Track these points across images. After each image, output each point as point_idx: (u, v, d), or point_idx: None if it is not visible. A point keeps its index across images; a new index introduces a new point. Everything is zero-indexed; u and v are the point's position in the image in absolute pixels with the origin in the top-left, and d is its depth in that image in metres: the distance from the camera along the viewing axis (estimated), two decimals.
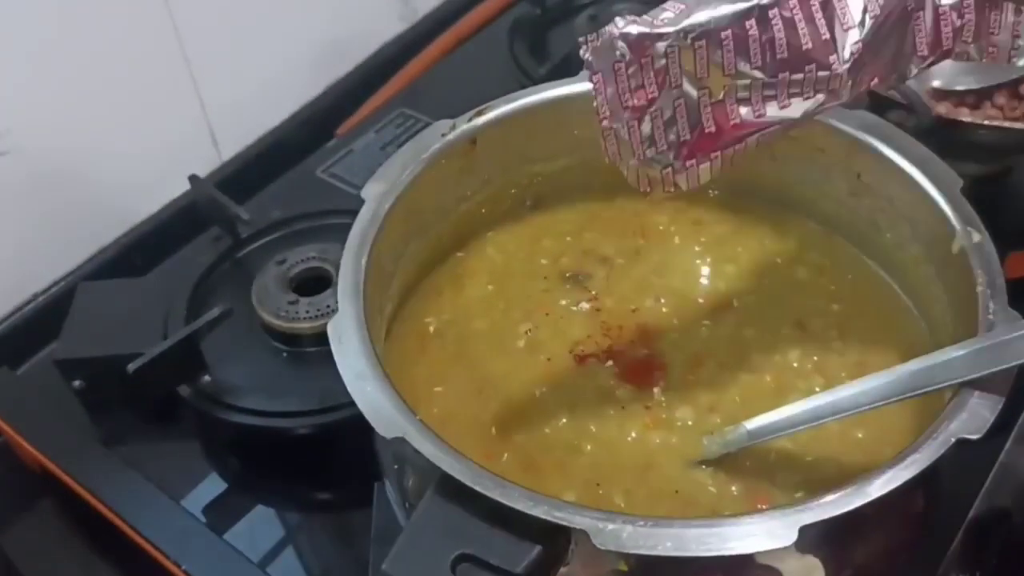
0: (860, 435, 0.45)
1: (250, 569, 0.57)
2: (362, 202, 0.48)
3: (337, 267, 0.67)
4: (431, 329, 0.52)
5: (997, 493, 0.53)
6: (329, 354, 0.63)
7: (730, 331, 0.51)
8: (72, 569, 0.63)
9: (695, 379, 0.48)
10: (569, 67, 0.82)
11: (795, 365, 0.49)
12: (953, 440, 0.36)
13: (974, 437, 0.36)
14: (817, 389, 0.47)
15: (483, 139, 0.52)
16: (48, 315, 0.72)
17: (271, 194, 0.82)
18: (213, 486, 0.65)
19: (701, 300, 0.53)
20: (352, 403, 0.59)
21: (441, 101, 0.88)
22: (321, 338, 0.64)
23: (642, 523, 0.34)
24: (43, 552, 0.63)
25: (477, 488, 0.35)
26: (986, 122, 0.64)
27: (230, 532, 0.61)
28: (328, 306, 0.66)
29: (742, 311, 0.52)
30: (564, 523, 0.34)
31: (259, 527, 0.63)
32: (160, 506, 0.60)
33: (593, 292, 0.53)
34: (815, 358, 0.49)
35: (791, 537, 0.33)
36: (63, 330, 0.66)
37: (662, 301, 0.52)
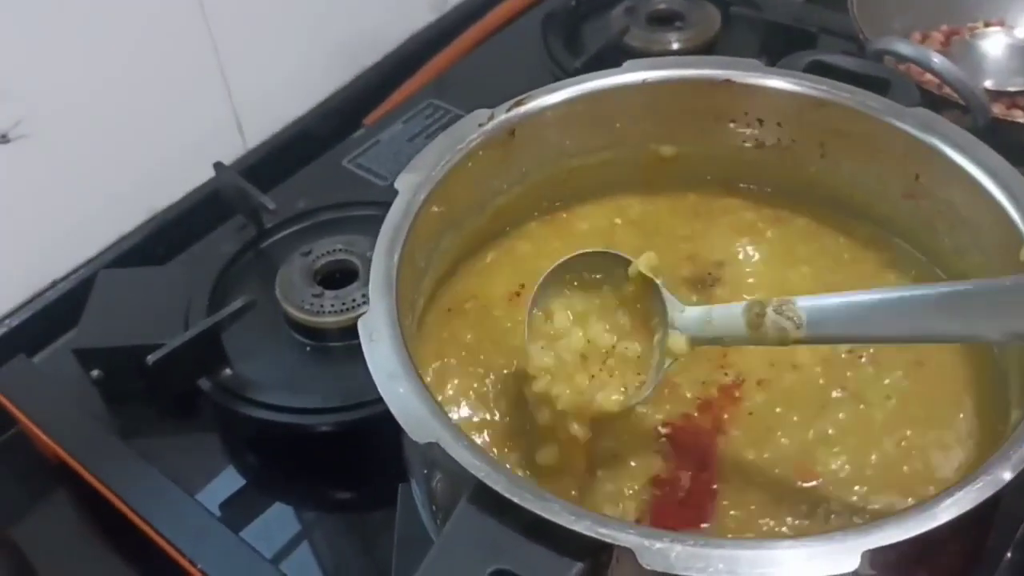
0: (909, 432, 0.43)
1: (265, 567, 0.55)
2: (394, 193, 0.45)
3: (363, 260, 0.66)
4: (459, 324, 0.49)
5: None
6: (353, 349, 0.62)
7: None
8: (85, 562, 0.61)
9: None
10: (604, 60, 0.80)
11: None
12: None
13: None
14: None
15: (522, 130, 0.50)
16: (68, 302, 0.71)
17: (296, 184, 0.81)
18: (231, 482, 0.63)
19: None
20: (376, 401, 0.57)
21: (471, 93, 0.85)
22: (346, 333, 0.64)
23: (692, 542, 0.32)
24: (56, 544, 0.62)
25: (515, 499, 0.33)
26: None
27: (247, 529, 0.59)
28: (354, 300, 0.64)
29: None
30: (609, 540, 0.32)
31: (276, 525, 0.61)
32: (176, 501, 0.59)
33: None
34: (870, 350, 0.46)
35: (853, 563, 0.31)
36: (82, 319, 0.65)
37: None
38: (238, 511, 0.61)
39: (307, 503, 0.63)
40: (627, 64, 0.51)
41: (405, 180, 0.45)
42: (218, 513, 0.60)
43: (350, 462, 0.62)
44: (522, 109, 0.49)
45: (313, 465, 0.63)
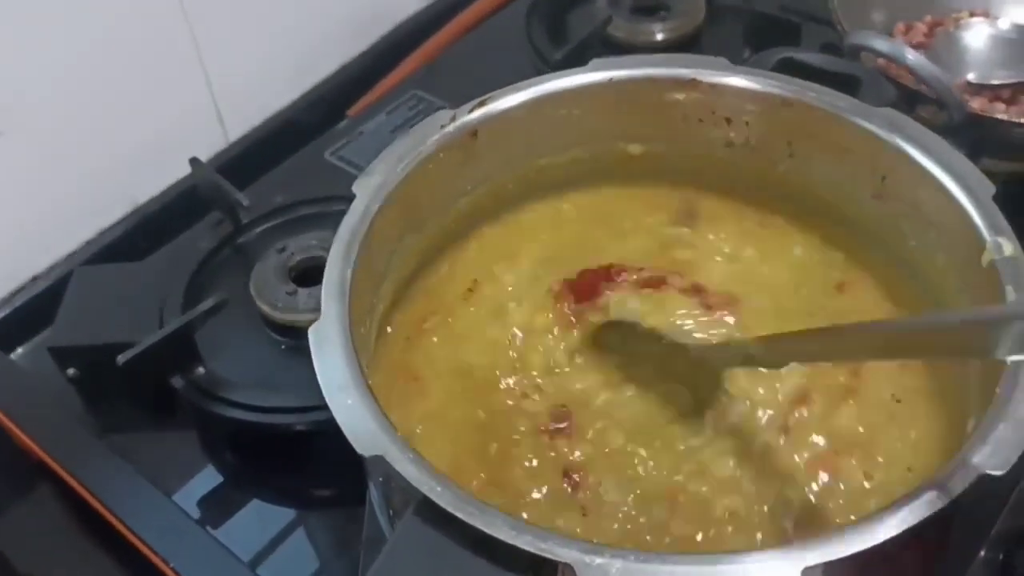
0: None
1: (241, 569, 0.55)
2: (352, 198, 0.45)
3: None
4: (425, 328, 0.49)
5: (1021, 511, 0.51)
6: None
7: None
8: (65, 559, 0.61)
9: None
10: (587, 51, 0.79)
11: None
12: (975, 476, 0.33)
13: (997, 473, 0.33)
14: None
15: (485, 131, 0.49)
16: (47, 298, 0.70)
17: (277, 177, 0.80)
18: (208, 480, 0.63)
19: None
20: None
21: (455, 83, 0.85)
22: None
23: (633, 557, 0.32)
24: (35, 541, 0.62)
25: (459, 514, 0.33)
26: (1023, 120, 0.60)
27: (223, 527, 0.60)
28: None
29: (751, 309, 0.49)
30: (549, 555, 0.32)
31: (253, 523, 0.61)
32: (152, 501, 0.59)
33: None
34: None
35: None
36: (57, 317, 0.65)
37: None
38: (215, 509, 0.61)
39: (284, 501, 0.62)
40: (593, 63, 0.50)
41: (363, 183, 0.45)
42: (195, 511, 0.60)
43: (326, 460, 0.62)
44: (485, 109, 0.49)
45: (290, 463, 0.63)
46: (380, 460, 0.35)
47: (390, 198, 0.45)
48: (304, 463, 0.63)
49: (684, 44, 0.82)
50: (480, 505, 0.33)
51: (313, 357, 0.38)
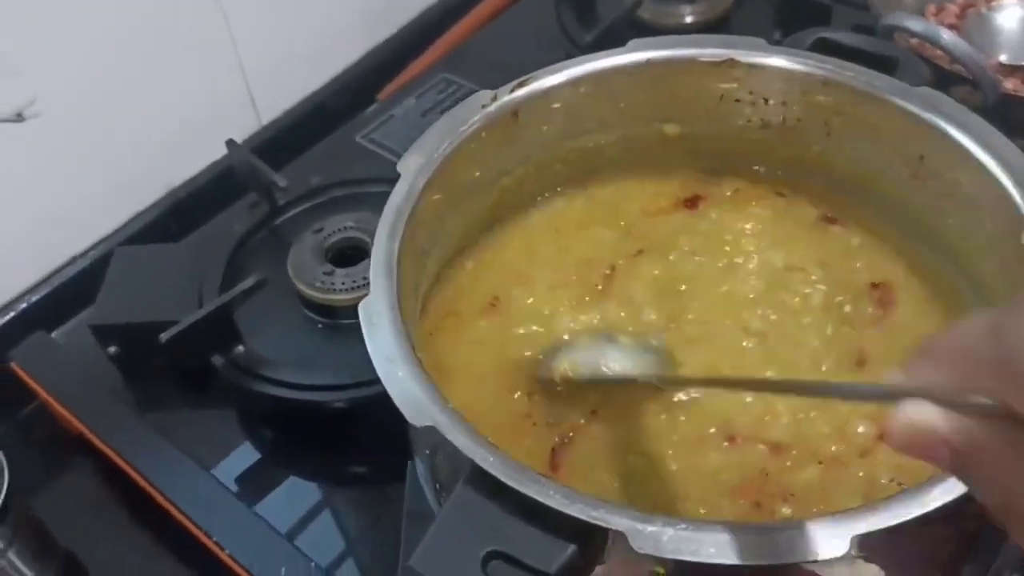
0: None
1: (279, 541, 0.56)
2: (399, 174, 0.46)
3: (374, 237, 0.66)
4: (465, 308, 0.50)
5: None
6: None
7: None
8: (104, 532, 0.63)
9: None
10: (616, 33, 0.80)
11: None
12: None
13: None
14: None
15: (526, 111, 0.49)
16: (86, 278, 0.72)
17: (310, 159, 0.81)
18: (246, 456, 0.64)
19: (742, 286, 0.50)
20: None
21: (484, 67, 0.86)
22: (356, 311, 0.64)
23: (683, 526, 0.32)
24: (76, 514, 0.63)
25: (511, 483, 0.34)
26: None
27: (261, 503, 0.61)
28: (364, 278, 0.64)
29: (784, 294, 0.50)
30: (601, 523, 0.33)
31: (290, 499, 0.62)
32: (192, 475, 0.60)
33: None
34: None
35: (843, 547, 0.31)
36: (99, 295, 0.66)
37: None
38: (252, 485, 0.62)
39: (320, 478, 0.64)
40: (631, 43, 0.51)
41: (407, 163, 0.46)
42: (233, 487, 0.61)
43: (362, 438, 0.63)
44: (526, 90, 0.49)
45: (326, 441, 0.64)
46: (431, 430, 0.36)
47: (433, 177, 0.46)
48: (340, 441, 0.64)
49: (713, 26, 0.82)
50: (532, 474, 0.34)
51: (363, 331, 0.39)
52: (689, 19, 0.83)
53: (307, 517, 0.61)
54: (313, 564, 0.55)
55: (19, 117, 0.67)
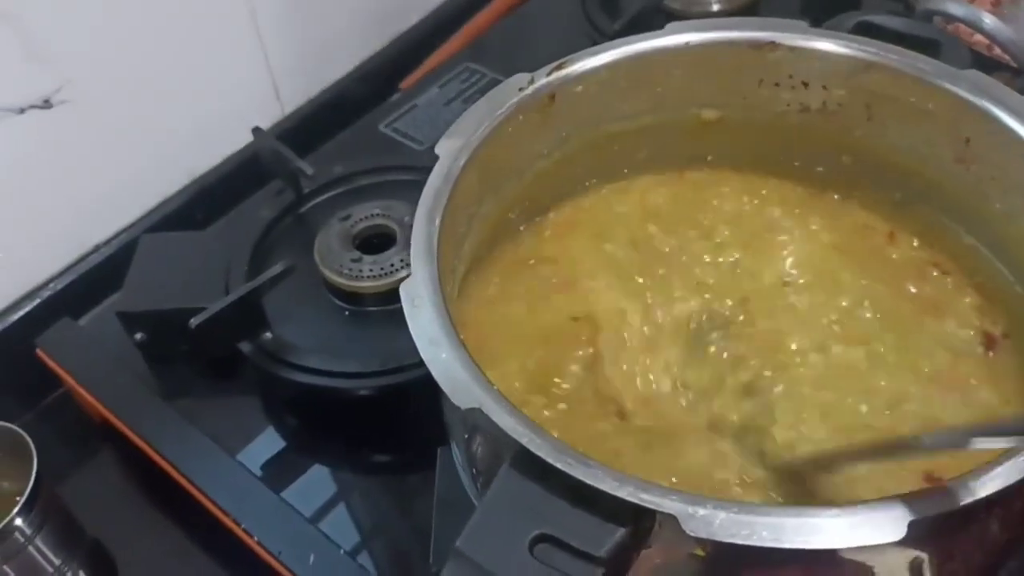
0: None
1: (305, 527, 0.56)
2: (431, 158, 0.45)
3: (401, 224, 0.66)
4: (504, 293, 0.49)
5: None
6: (391, 314, 0.63)
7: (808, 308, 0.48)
8: (131, 519, 0.63)
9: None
10: (643, 22, 0.79)
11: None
12: None
13: None
14: None
15: (562, 94, 0.49)
16: (111, 265, 0.72)
17: (334, 148, 0.81)
18: (271, 443, 0.64)
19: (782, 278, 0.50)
20: (413, 366, 0.59)
21: (507, 56, 0.85)
22: (384, 298, 0.64)
23: (736, 509, 0.32)
24: (102, 501, 0.63)
25: (558, 465, 0.33)
26: None
27: (287, 490, 0.60)
28: (392, 265, 0.64)
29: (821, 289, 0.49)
30: (652, 506, 0.32)
31: (315, 486, 0.62)
32: (218, 461, 0.60)
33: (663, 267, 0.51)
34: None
35: (899, 532, 0.31)
36: (125, 282, 0.66)
37: (739, 272, 0.50)
38: (278, 472, 0.62)
39: (346, 465, 0.63)
40: (670, 26, 0.50)
41: (445, 145, 0.45)
42: (259, 474, 0.61)
43: (388, 426, 0.63)
44: (562, 73, 0.49)
45: (352, 428, 0.64)
46: (476, 412, 0.35)
47: (471, 160, 0.45)
48: (365, 428, 0.63)
49: (742, 14, 0.81)
50: (579, 456, 0.33)
51: (405, 313, 0.38)
52: (716, 7, 0.82)
53: (331, 504, 0.61)
54: (342, 551, 0.55)
55: (46, 103, 0.67)
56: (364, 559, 0.57)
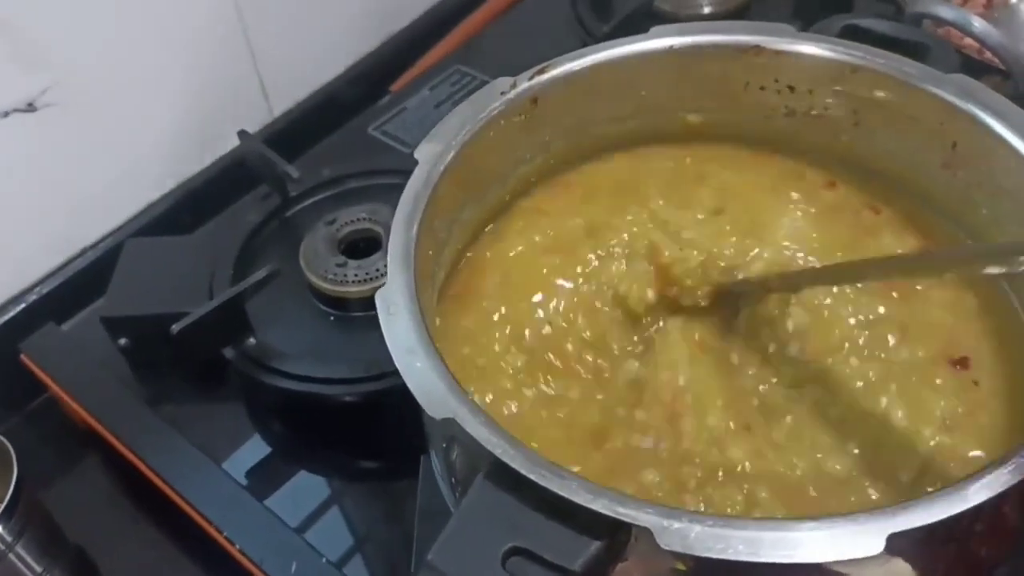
0: None
1: (288, 535, 0.56)
2: (415, 163, 0.45)
3: (387, 229, 0.65)
4: (481, 300, 0.49)
5: None
6: (377, 320, 0.63)
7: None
8: (114, 526, 0.62)
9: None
10: (633, 25, 0.78)
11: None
12: None
13: None
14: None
15: (545, 98, 0.48)
16: (96, 270, 0.71)
17: (322, 151, 0.81)
18: (256, 450, 0.64)
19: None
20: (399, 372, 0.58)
21: (498, 59, 0.84)
22: (369, 303, 0.62)
23: (711, 522, 0.31)
24: (86, 508, 0.63)
25: (532, 477, 0.32)
26: None
27: (272, 497, 0.60)
28: (377, 269, 0.64)
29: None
30: (626, 519, 0.31)
31: (301, 493, 0.61)
32: (202, 468, 0.59)
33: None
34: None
35: (878, 546, 0.30)
36: (109, 287, 0.65)
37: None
38: (263, 479, 0.61)
39: (332, 472, 0.63)
40: (654, 30, 0.50)
41: (425, 150, 0.45)
42: (243, 481, 0.60)
43: (374, 432, 0.62)
44: (545, 76, 0.48)
45: (337, 434, 0.63)
46: (451, 422, 0.35)
47: (452, 164, 0.45)
48: (351, 435, 0.63)
49: (732, 17, 0.81)
50: (554, 468, 0.33)
51: (380, 320, 0.38)
52: (707, 9, 0.82)
53: (317, 512, 0.61)
54: (324, 560, 0.54)
55: (31, 107, 0.66)
56: (348, 567, 0.57)
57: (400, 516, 0.60)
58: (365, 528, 0.61)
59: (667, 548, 0.31)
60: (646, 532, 0.31)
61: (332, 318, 0.64)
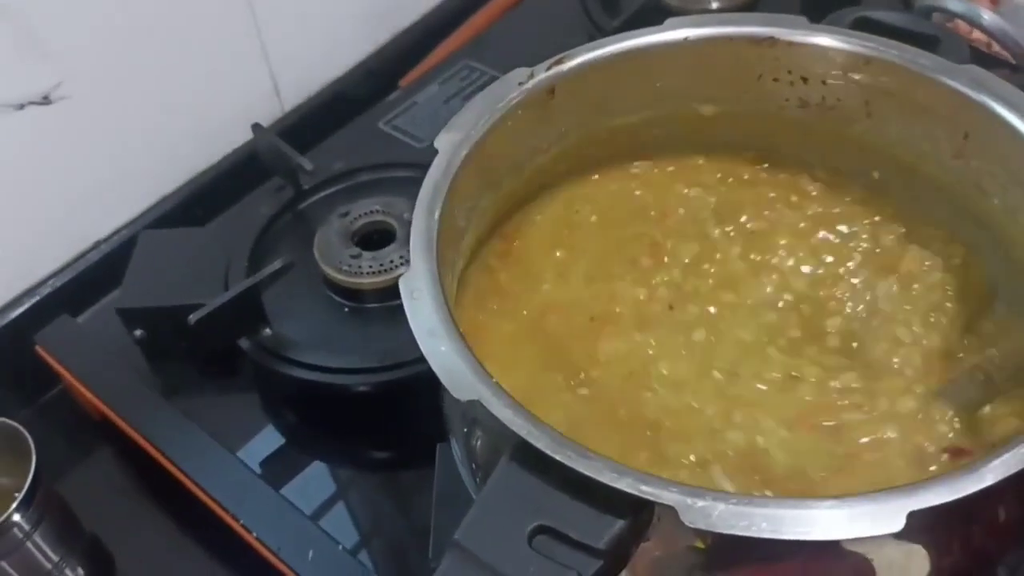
0: None
1: (305, 523, 0.56)
2: (431, 154, 0.45)
3: (400, 221, 0.66)
4: (502, 287, 0.49)
5: None
6: (391, 310, 0.63)
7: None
8: (129, 515, 0.63)
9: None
10: (643, 19, 0.79)
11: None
12: None
13: None
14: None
15: (562, 89, 0.49)
16: (110, 262, 0.72)
17: (333, 145, 0.81)
18: (270, 440, 0.64)
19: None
20: (413, 362, 0.59)
21: (507, 54, 0.85)
22: (383, 294, 0.64)
23: (735, 501, 0.32)
24: (101, 497, 0.63)
25: (558, 457, 0.33)
26: None
27: (286, 487, 0.60)
28: (391, 261, 0.64)
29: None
30: (651, 498, 0.32)
31: (315, 483, 0.62)
32: (217, 458, 0.60)
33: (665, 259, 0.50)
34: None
35: (898, 524, 0.31)
36: (125, 279, 0.66)
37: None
38: (277, 469, 0.62)
39: (345, 462, 0.64)
40: (669, 22, 0.50)
41: (445, 139, 0.45)
42: (258, 470, 0.61)
43: (387, 422, 0.63)
44: (562, 67, 0.49)
45: (351, 425, 0.64)
46: (476, 404, 0.35)
47: (471, 154, 0.45)
48: (365, 425, 0.63)
49: (740, 11, 0.81)
50: (579, 448, 0.33)
51: (405, 305, 0.38)
52: (715, 4, 0.82)
53: (331, 501, 0.61)
54: (341, 547, 0.55)
55: (45, 100, 0.67)
56: (363, 556, 0.57)
57: (412, 505, 0.61)
58: (378, 516, 0.62)
59: (691, 526, 0.31)
60: (670, 510, 0.32)
61: (346, 309, 0.65)
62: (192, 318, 0.59)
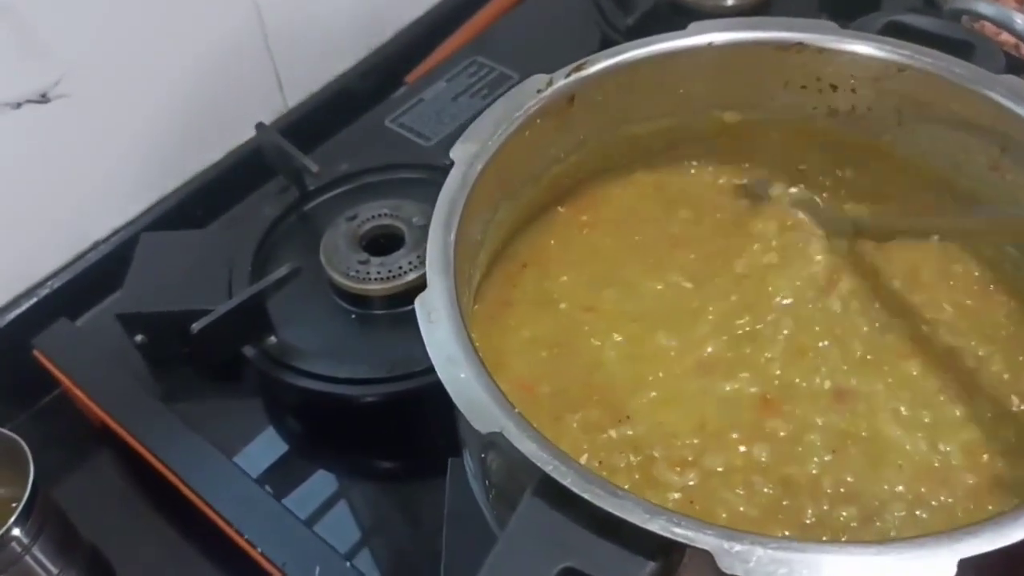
0: None
1: (306, 535, 0.55)
2: (439, 155, 0.44)
3: (409, 225, 0.64)
4: (517, 299, 0.48)
5: None
6: (400, 318, 0.61)
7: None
8: (128, 524, 0.61)
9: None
10: (657, 17, 0.77)
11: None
12: None
13: None
14: None
15: (582, 96, 0.47)
16: (109, 264, 0.70)
17: (338, 144, 0.79)
18: (273, 448, 0.63)
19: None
20: (423, 372, 0.57)
21: (515, 49, 0.83)
22: (392, 301, 0.62)
23: (774, 545, 0.30)
24: (100, 506, 0.62)
25: (585, 495, 0.31)
26: None
27: (288, 497, 0.59)
28: (400, 267, 0.62)
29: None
30: (685, 541, 0.30)
31: (318, 493, 0.61)
32: (220, 468, 0.58)
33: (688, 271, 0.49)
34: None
35: (950, 571, 0.29)
36: (126, 283, 0.64)
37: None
38: (280, 478, 0.61)
39: (350, 473, 0.62)
40: (692, 26, 0.48)
41: (461, 150, 0.43)
42: (260, 479, 0.59)
43: (394, 433, 0.61)
44: (582, 74, 0.47)
45: (357, 435, 0.62)
46: (498, 436, 0.33)
47: (488, 165, 0.43)
48: (371, 435, 0.62)
49: (757, 11, 0.79)
50: (607, 485, 0.32)
51: (421, 328, 0.37)
52: (731, 2, 0.80)
53: (335, 512, 0.60)
54: (348, 563, 0.53)
55: (44, 98, 0.65)
56: (370, 571, 0.56)
57: (421, 518, 0.59)
58: (386, 530, 0.60)
59: (728, 572, 0.30)
60: (704, 554, 0.30)
61: (353, 316, 0.63)
62: (195, 327, 0.57)
